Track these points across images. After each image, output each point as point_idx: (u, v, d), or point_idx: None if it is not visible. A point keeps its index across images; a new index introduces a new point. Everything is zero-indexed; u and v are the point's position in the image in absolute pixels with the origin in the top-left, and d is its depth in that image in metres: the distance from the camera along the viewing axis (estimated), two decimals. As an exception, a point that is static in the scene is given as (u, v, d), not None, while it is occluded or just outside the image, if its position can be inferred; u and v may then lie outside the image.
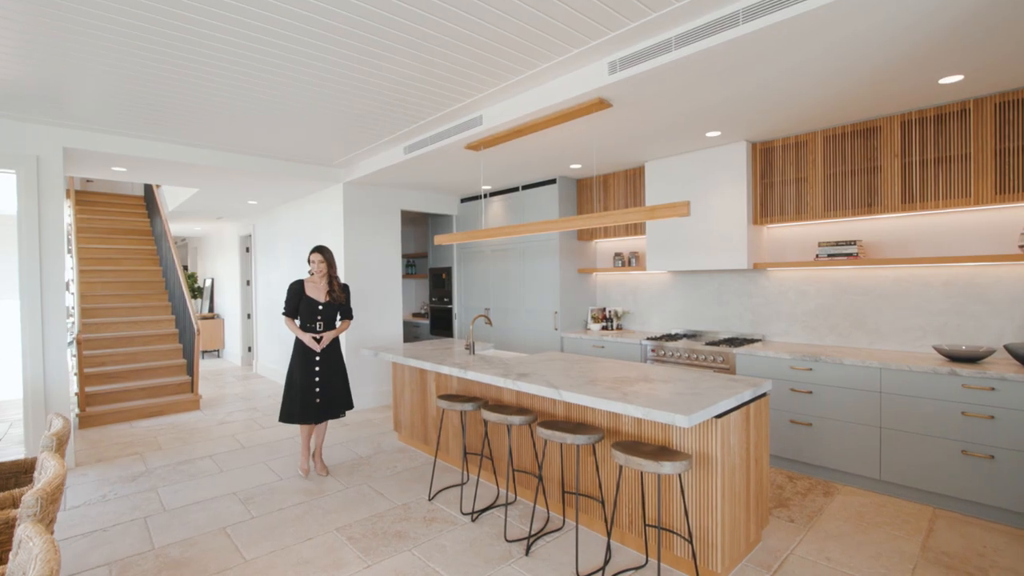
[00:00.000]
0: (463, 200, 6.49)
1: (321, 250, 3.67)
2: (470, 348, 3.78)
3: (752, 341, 4.14)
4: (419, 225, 8.14)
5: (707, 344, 4.07)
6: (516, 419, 2.72)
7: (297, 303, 3.64)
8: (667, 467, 2.01)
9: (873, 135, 3.45)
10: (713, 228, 4.17)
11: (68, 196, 7.72)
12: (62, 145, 3.92)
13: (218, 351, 10.10)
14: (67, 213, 7.82)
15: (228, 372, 8.22)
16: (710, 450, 2.24)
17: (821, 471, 3.49)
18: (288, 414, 3.60)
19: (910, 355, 3.36)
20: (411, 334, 7.59)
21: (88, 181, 10.93)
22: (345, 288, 3.80)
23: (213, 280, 10.71)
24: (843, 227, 3.81)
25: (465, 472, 3.59)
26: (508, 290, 5.81)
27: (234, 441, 4.54)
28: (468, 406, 3.06)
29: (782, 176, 3.90)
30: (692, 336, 4.59)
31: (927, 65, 2.61)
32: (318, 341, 3.62)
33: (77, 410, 5.12)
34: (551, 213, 5.27)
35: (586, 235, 5.37)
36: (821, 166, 3.69)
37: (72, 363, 5.58)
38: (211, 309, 10.69)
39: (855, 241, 3.59)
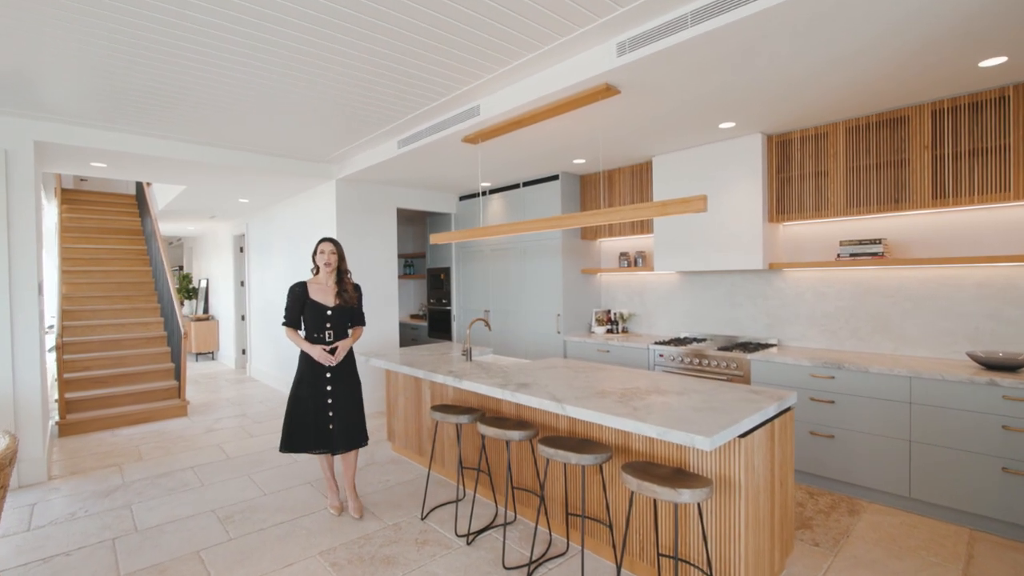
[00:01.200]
0: (462, 198, 6.25)
1: (332, 240, 3.07)
2: (467, 354, 3.54)
3: (767, 346, 3.90)
4: (417, 224, 7.91)
5: (719, 349, 3.82)
6: (515, 434, 2.48)
7: (300, 310, 3.02)
8: (685, 495, 1.77)
9: (901, 125, 3.20)
10: (726, 226, 3.93)
11: (56, 195, 7.51)
12: (33, 138, 3.69)
13: (212, 353, 9.88)
14: (52, 212, 7.61)
15: (222, 375, 8.00)
16: (732, 473, 2.00)
17: (845, 487, 3.24)
18: (291, 442, 2.98)
19: (940, 362, 3.11)
20: (408, 336, 7.36)
21: (82, 180, 10.73)
22: (357, 288, 3.18)
23: (208, 281, 10.49)
24: (867, 225, 3.56)
25: (461, 486, 3.36)
26: (509, 291, 5.57)
27: (219, 451, 4.30)
28: (464, 418, 2.83)
29: (800, 170, 3.65)
30: (702, 340, 4.35)
31: (967, 44, 2.36)
32: (331, 353, 3.01)
33: (57, 417, 4.90)
34: (553, 210, 5.03)
35: (590, 234, 5.13)
36: (843, 159, 3.44)
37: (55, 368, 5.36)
38: (206, 310, 10.46)
39: (880, 240, 3.34)
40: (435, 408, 2.97)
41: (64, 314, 6.10)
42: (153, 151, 4.13)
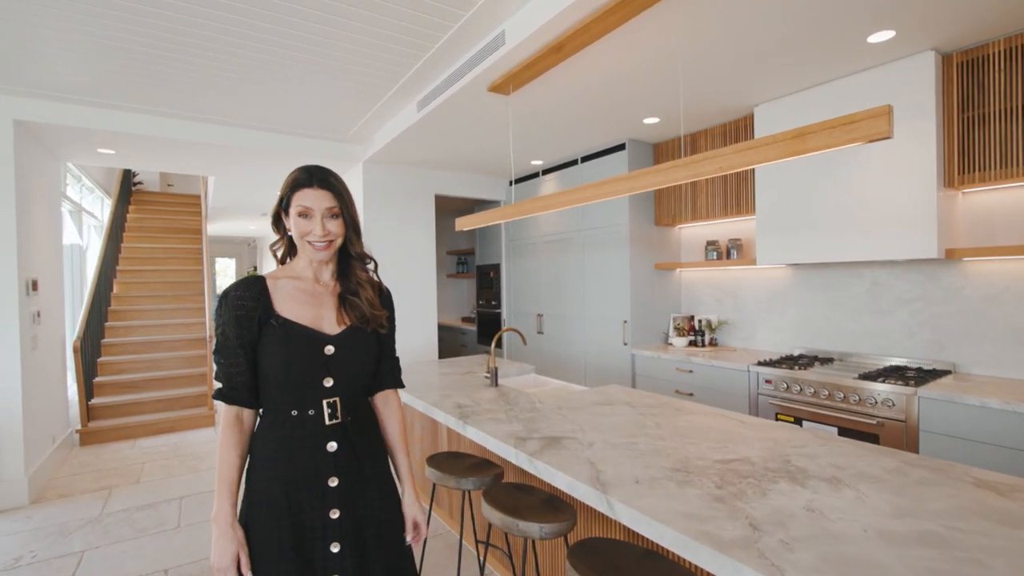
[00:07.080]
0: (512, 182, 5.34)
1: (324, 178, 1.19)
2: (491, 376, 2.61)
3: (938, 374, 2.62)
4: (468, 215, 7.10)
5: (860, 377, 2.60)
6: (535, 528, 1.51)
7: (251, 350, 1.16)
8: None
9: None
10: (871, 197, 2.70)
11: (114, 193, 7.54)
12: (13, 117, 3.24)
13: (272, 354, 9.74)
14: (105, 206, 7.63)
15: (270, 378, 7.68)
16: None
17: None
18: None
19: None
20: (456, 343, 6.56)
21: (169, 185, 11.09)
22: (383, 293, 1.35)
23: (271, 280, 10.41)
24: None
25: (474, 550, 2.44)
26: (565, 292, 4.58)
27: (221, 476, 3.70)
28: (469, 483, 1.89)
29: (1003, 104, 2.35)
30: (827, 360, 3.11)
31: None
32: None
33: (78, 425, 4.60)
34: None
35: (667, 218, 4.01)
36: (1090, 78, 2.12)
37: (93, 371, 5.11)
38: (269, 310, 10.40)
39: None
40: (432, 461, 2.06)
41: (110, 314, 5.96)
42: (156, 131, 3.61)
